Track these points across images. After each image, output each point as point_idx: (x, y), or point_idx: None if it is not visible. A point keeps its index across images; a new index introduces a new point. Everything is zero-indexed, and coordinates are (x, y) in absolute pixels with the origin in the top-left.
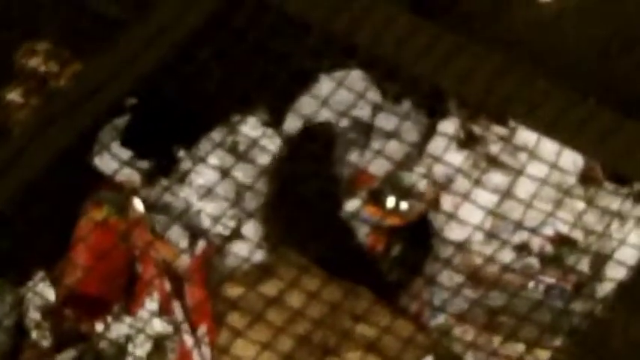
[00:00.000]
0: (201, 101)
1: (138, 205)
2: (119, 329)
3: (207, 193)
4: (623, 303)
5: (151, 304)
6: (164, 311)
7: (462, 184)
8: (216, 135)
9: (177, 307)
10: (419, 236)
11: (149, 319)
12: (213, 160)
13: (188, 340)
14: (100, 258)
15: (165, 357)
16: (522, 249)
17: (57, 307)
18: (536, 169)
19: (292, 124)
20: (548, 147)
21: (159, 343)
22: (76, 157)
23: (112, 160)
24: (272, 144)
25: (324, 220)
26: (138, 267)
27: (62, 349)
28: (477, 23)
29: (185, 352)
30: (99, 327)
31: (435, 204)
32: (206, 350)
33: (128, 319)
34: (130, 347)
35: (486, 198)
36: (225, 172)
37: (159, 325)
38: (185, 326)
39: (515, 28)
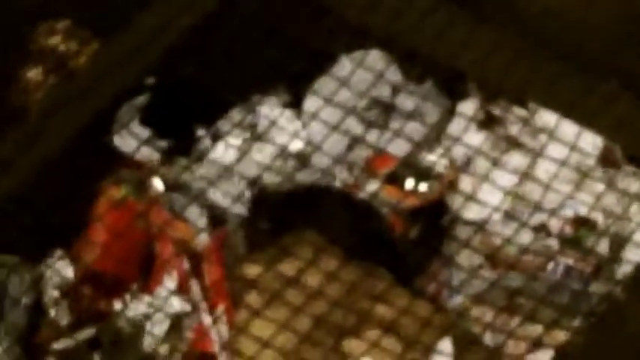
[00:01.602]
0: (221, 81)
1: (157, 184)
2: (137, 308)
3: (226, 172)
4: None
5: (169, 283)
6: (182, 290)
7: (481, 165)
8: (236, 115)
9: (194, 286)
10: (437, 217)
11: (167, 297)
12: (232, 139)
13: (206, 318)
14: (118, 237)
15: (182, 336)
16: (541, 230)
17: (75, 285)
18: (556, 151)
19: (312, 104)
20: (568, 129)
21: (176, 321)
22: (95, 136)
23: (131, 139)
24: (291, 125)
25: (343, 201)
26: (156, 246)
27: (80, 328)
28: (488, 8)
29: (202, 331)
30: (117, 305)
31: (453, 185)
32: (223, 329)
33: (146, 298)
34: (147, 326)
35: (505, 179)
36: (243, 152)
37: (177, 304)
38: (203, 305)
39: (529, 13)
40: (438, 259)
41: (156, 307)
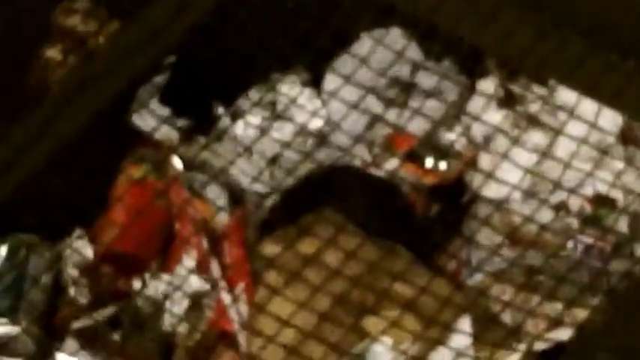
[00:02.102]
0: (241, 59)
1: (176, 162)
2: (156, 287)
3: (246, 151)
4: None
5: (188, 261)
6: (201, 269)
7: (500, 143)
8: (255, 93)
9: (214, 265)
10: (457, 196)
11: (186, 276)
12: (251, 118)
13: (225, 297)
14: (138, 216)
15: (202, 314)
16: (561, 209)
17: (94, 264)
18: (576, 129)
19: (331, 83)
20: (588, 107)
21: (196, 300)
22: (115, 116)
23: (151, 118)
24: (310, 103)
25: (362, 180)
26: (175, 225)
27: (99, 307)
28: None
29: (222, 310)
30: (136, 285)
31: (473, 163)
32: (243, 308)
33: (165, 277)
34: (167, 304)
35: (525, 157)
36: (263, 130)
37: (196, 283)
38: (222, 284)
39: None
40: (457, 237)
41: (175, 286)
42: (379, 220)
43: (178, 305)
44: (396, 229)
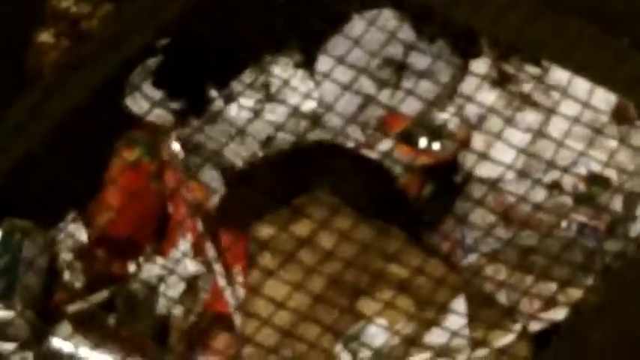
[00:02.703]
0: (234, 42)
1: (174, 145)
2: (151, 270)
3: (239, 133)
4: None
5: (183, 244)
6: (196, 252)
7: (494, 123)
8: (248, 75)
9: (209, 248)
10: (451, 176)
11: (181, 259)
12: (244, 100)
13: (220, 280)
14: (132, 199)
15: (197, 297)
16: (555, 188)
17: (89, 248)
18: (569, 108)
19: (324, 64)
20: (581, 86)
21: (191, 283)
22: (108, 99)
23: (144, 101)
24: (303, 85)
25: (355, 160)
26: (169, 208)
27: (94, 290)
28: None
29: (217, 293)
30: (131, 268)
31: (466, 143)
32: (239, 290)
33: (160, 260)
34: (162, 288)
35: (519, 137)
36: (256, 112)
37: (191, 266)
38: (217, 267)
39: None
40: (451, 217)
41: (170, 269)
42: (372, 201)
43: (173, 288)
44: (389, 210)
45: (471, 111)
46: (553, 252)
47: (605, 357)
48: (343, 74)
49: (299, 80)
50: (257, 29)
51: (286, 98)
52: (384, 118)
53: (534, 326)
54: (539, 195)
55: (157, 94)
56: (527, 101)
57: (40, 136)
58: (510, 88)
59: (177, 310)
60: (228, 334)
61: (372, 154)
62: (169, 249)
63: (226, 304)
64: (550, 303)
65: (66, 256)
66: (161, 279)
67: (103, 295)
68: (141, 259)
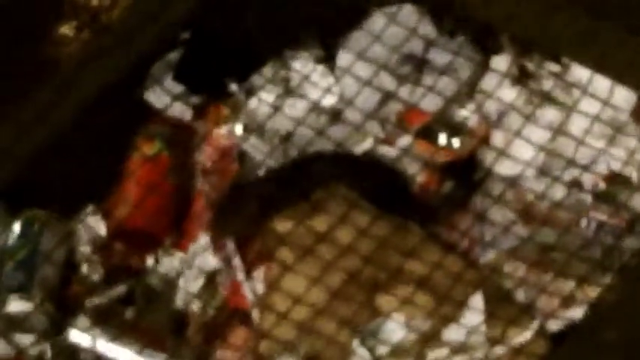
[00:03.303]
0: (254, 36)
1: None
2: (170, 263)
3: (259, 127)
4: None
5: (204, 238)
6: (216, 246)
7: (514, 120)
8: (269, 70)
9: (229, 243)
10: (470, 173)
11: (200, 254)
12: (264, 94)
13: (239, 275)
14: (150, 192)
15: (216, 292)
16: (574, 186)
17: (107, 241)
18: (589, 106)
19: (344, 59)
20: (601, 83)
21: (210, 278)
22: (128, 92)
23: (164, 95)
24: (324, 80)
25: (372, 156)
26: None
27: (112, 283)
28: None
29: (236, 287)
30: (149, 261)
31: (486, 140)
32: (258, 285)
33: (179, 254)
34: (180, 282)
35: (538, 134)
36: (276, 107)
37: (211, 260)
38: (237, 261)
39: None
40: (470, 214)
41: (189, 264)
42: (390, 197)
43: (192, 283)
44: (407, 206)
45: (491, 108)
46: (572, 249)
47: (621, 355)
48: (363, 70)
49: (319, 75)
50: (278, 24)
51: (306, 93)
52: (404, 113)
53: (552, 324)
54: (559, 192)
55: (178, 88)
56: (547, 98)
57: (59, 128)
58: (531, 85)
59: (196, 305)
60: (245, 328)
61: (391, 151)
62: (188, 243)
63: (244, 299)
64: (568, 301)
65: (84, 248)
66: (180, 273)
67: (120, 288)
68: (160, 252)
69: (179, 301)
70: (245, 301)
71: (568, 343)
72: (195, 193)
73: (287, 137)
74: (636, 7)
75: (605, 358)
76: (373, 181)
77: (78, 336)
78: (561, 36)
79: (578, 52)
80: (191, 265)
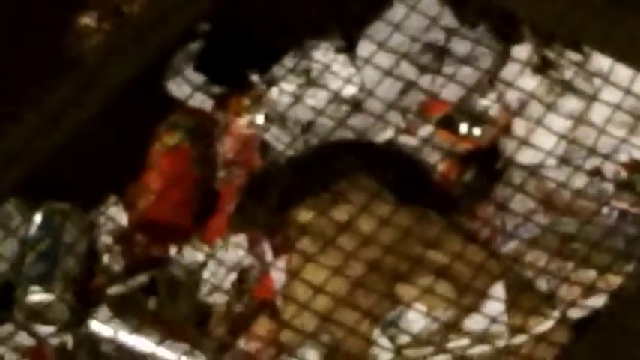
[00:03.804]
0: (275, 26)
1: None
2: (193, 256)
3: (280, 118)
4: None
5: (238, 236)
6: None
7: (535, 109)
8: (290, 60)
9: (261, 236)
10: (491, 162)
11: (233, 250)
12: (285, 85)
13: (270, 268)
14: (172, 183)
15: (246, 287)
16: (595, 175)
17: (129, 231)
18: (610, 95)
19: (365, 49)
20: (623, 72)
21: (242, 274)
22: (149, 83)
23: (185, 86)
24: (344, 70)
25: (393, 146)
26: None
27: (133, 274)
28: None
29: (263, 279)
30: (171, 252)
31: (507, 129)
32: (279, 275)
33: (204, 247)
34: (205, 274)
35: (560, 123)
36: (297, 97)
37: (243, 257)
38: (269, 255)
39: None
40: (491, 203)
41: (217, 258)
42: (412, 187)
43: (217, 275)
44: (428, 195)
45: (512, 97)
46: (593, 239)
47: None
48: (384, 59)
49: (340, 65)
50: (299, 14)
51: (327, 83)
52: (425, 103)
53: (574, 313)
54: (580, 181)
55: (199, 79)
56: (568, 87)
57: (81, 119)
58: (552, 75)
59: (221, 297)
60: (269, 319)
61: (412, 141)
62: (215, 236)
63: (270, 290)
64: (590, 290)
65: (106, 239)
66: (204, 265)
67: (142, 278)
68: (183, 244)
69: (203, 293)
70: (271, 292)
71: (591, 331)
72: (221, 185)
73: (308, 127)
74: None
75: (630, 347)
76: (394, 171)
77: (99, 326)
78: (585, 26)
79: (601, 42)
80: (219, 260)
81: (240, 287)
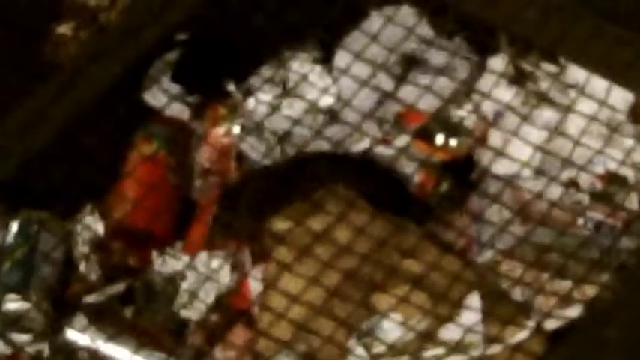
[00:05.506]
0: (252, 37)
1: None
2: (172, 265)
3: (257, 127)
4: None
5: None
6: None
7: (511, 120)
8: (266, 70)
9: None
10: (467, 172)
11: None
12: (262, 95)
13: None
14: (149, 192)
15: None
16: (571, 186)
17: (105, 240)
18: (586, 106)
19: (342, 60)
20: (598, 84)
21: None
22: (126, 92)
23: (162, 95)
24: (321, 80)
25: (370, 156)
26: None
27: (110, 282)
28: None
29: (240, 288)
30: (148, 261)
31: (483, 140)
32: (255, 284)
33: (183, 257)
34: (182, 284)
35: (535, 134)
36: (274, 107)
37: (224, 274)
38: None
39: None
40: (467, 214)
41: (195, 269)
42: (387, 196)
43: (193, 284)
44: (404, 205)
45: (488, 108)
46: (569, 249)
47: (619, 354)
48: (361, 70)
49: (317, 75)
50: (276, 24)
51: (304, 93)
52: (402, 114)
53: (549, 323)
54: (556, 192)
55: (176, 88)
56: (544, 99)
57: (58, 127)
58: (528, 86)
59: (198, 306)
60: (246, 328)
61: (389, 151)
62: (194, 247)
63: (246, 300)
64: (565, 300)
65: (82, 247)
66: (182, 274)
67: (119, 287)
68: (161, 252)
69: (180, 302)
70: (247, 301)
71: (567, 341)
72: (197, 194)
73: (284, 137)
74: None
75: (606, 357)
76: (371, 181)
77: (75, 335)
78: (561, 37)
79: (576, 54)
80: (193, 267)
81: (218, 300)
